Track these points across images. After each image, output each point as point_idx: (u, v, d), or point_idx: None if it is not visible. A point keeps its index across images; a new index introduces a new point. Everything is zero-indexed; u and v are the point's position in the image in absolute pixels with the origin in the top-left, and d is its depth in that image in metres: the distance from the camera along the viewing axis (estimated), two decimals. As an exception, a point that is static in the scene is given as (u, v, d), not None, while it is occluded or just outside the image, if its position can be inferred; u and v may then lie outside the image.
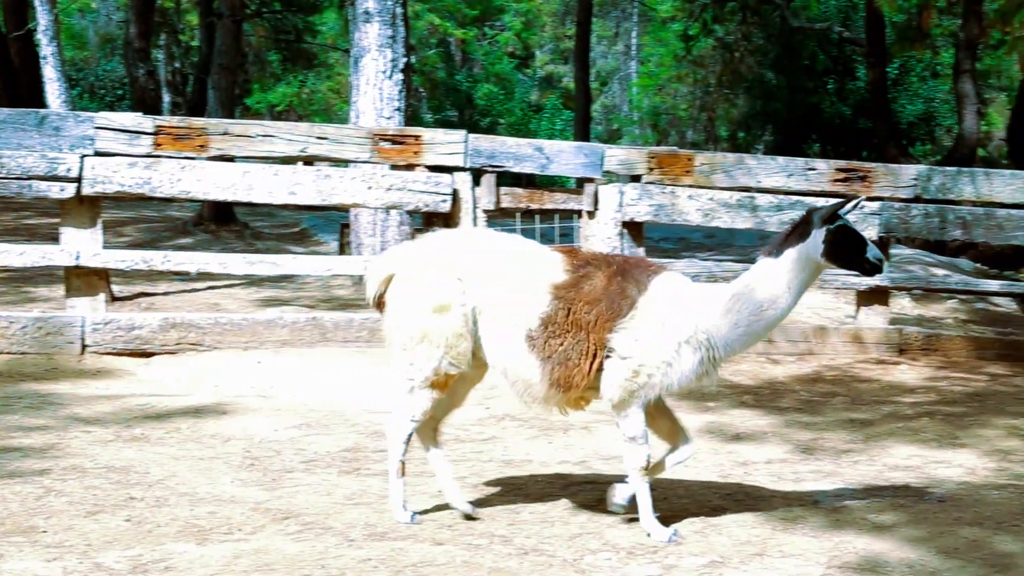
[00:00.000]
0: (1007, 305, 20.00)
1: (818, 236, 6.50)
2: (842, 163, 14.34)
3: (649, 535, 6.63)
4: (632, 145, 32.30)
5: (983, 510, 7.50)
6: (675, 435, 6.89)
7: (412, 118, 26.11)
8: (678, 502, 7.43)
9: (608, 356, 6.46)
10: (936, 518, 7.27)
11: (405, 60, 16.69)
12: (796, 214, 13.52)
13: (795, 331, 13.52)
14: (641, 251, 13.16)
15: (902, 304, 18.15)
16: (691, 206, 13.40)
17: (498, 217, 14.22)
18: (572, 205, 13.43)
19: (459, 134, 12.97)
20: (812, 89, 36.83)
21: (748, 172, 13.78)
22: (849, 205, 6.66)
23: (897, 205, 13.86)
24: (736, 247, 22.27)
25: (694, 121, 44.97)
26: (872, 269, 6.66)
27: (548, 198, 13.37)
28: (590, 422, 9.67)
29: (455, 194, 12.72)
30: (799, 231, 6.59)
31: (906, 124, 36.56)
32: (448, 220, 12.75)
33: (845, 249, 6.56)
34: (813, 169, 13.90)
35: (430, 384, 6.68)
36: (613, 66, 53.41)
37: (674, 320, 6.45)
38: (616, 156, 13.34)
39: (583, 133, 32.60)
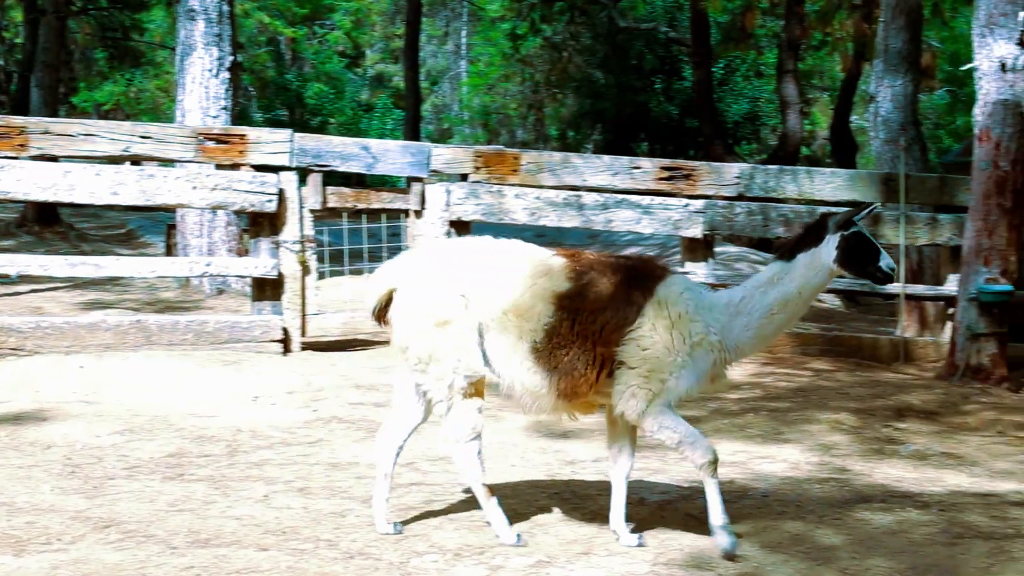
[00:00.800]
0: (831, 301, 20.51)
1: (832, 242, 6.44)
2: (667, 162, 14.51)
3: (714, 535, 6.49)
4: (459, 144, 32.34)
5: (806, 504, 7.61)
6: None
7: (241, 117, 25.76)
8: (506, 502, 7.36)
9: (618, 367, 6.31)
10: (760, 513, 7.35)
11: (232, 58, 16.42)
12: (623, 212, 13.70)
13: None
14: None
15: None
16: (518, 205, 13.41)
17: (326, 217, 14.06)
18: (400, 205, 13.35)
19: (285, 133, 12.80)
20: (640, 88, 37.26)
21: (574, 171, 13.85)
22: (864, 212, 6.62)
23: (721, 203, 14.07)
24: (566, 246, 22.42)
25: (524, 120, 45.19)
26: (884, 278, 6.59)
27: (375, 197, 13.27)
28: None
29: (281, 194, 12.58)
30: (812, 236, 6.53)
31: (732, 123, 37.22)
32: (274, 220, 12.59)
33: (858, 257, 6.48)
34: (638, 168, 14.03)
35: (464, 395, 6.46)
36: (443, 65, 53.40)
37: (684, 324, 6.32)
38: (443, 155, 13.30)
39: (413, 132, 32.50)
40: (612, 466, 6.72)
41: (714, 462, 6.36)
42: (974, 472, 8.83)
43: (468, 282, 6.37)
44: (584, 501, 7.53)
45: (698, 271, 13.99)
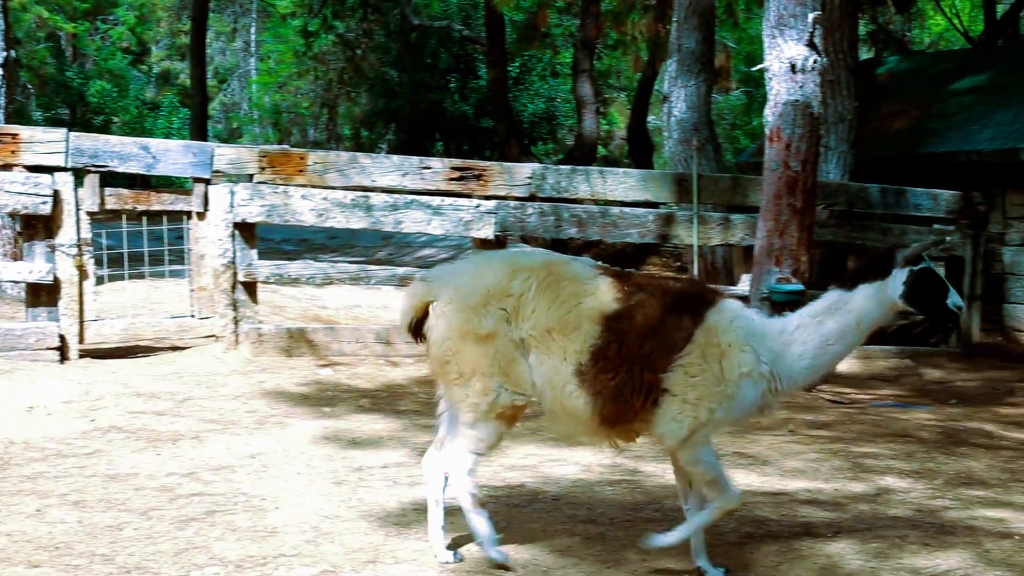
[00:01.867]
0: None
1: (899, 277, 6.20)
2: (457, 162, 14.30)
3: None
4: (243, 144, 31.67)
5: (597, 507, 7.52)
6: None
7: (19, 116, 24.69)
8: (290, 511, 7.15)
9: (662, 394, 6.01)
10: (551, 517, 7.22)
11: (6, 54, 15.66)
12: (413, 213, 13.43)
13: (415, 332, 13.38)
14: (254, 253, 12.74)
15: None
16: (305, 206, 13.05)
17: (105, 219, 13.46)
18: (182, 206, 12.85)
19: (59, 132, 12.22)
20: (434, 87, 37.10)
21: (363, 171, 13.54)
22: (931, 245, 6.46)
23: (513, 204, 13.92)
24: (359, 247, 22.11)
25: (316, 119, 44.61)
26: (950, 317, 6.44)
27: (156, 199, 12.75)
28: (200, 432, 9.30)
29: (56, 195, 12.02)
30: (878, 268, 6.26)
31: (528, 123, 37.31)
32: (49, 223, 12.04)
33: (926, 294, 6.24)
34: (428, 168, 13.79)
35: (496, 416, 6.14)
36: (232, 63, 52.27)
37: (734, 353, 6.03)
38: (226, 155, 12.87)
39: (200, 132, 31.68)
40: (684, 504, 6.42)
41: (732, 511, 6.25)
42: (765, 471, 8.85)
43: (510, 294, 6.08)
44: (372, 508, 7.33)
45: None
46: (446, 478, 6.35)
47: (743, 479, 8.52)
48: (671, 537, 6.13)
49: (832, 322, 6.14)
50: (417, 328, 6.23)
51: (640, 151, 30.96)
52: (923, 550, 6.65)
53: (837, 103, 16.50)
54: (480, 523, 6.23)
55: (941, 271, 16.18)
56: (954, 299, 6.22)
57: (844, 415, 11.37)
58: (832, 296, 6.23)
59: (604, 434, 6.16)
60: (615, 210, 14.57)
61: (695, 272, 14.60)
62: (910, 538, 6.88)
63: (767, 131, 12.94)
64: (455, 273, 6.26)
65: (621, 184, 14.56)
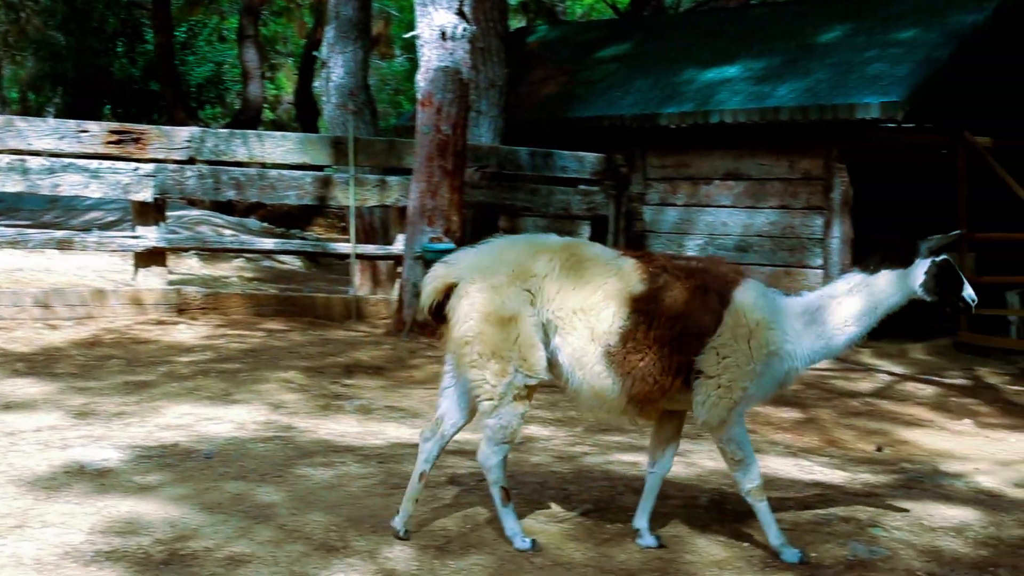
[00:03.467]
0: (292, 262, 20.73)
1: (921, 266, 6.29)
2: (115, 125, 14.19)
3: (780, 555, 6.19)
4: None
5: (248, 463, 7.66)
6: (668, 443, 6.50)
7: None
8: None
9: (696, 376, 6.03)
10: (202, 475, 7.32)
11: None
12: (71, 176, 13.24)
13: (73, 295, 13.25)
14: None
15: (191, 264, 18.27)
16: (-45, 170, 12.70)
17: None
18: None
19: None
20: (101, 51, 35.97)
21: (19, 135, 13.29)
22: (953, 239, 6.55)
23: (172, 167, 13.91)
24: (25, 211, 21.48)
25: (-18, 83, 42.50)
26: (965, 308, 6.44)
27: None
28: None
29: None
30: (902, 255, 6.36)
31: (195, 87, 36.71)
32: None
33: (944, 285, 6.33)
34: (86, 131, 13.61)
35: (513, 397, 6.06)
36: None
37: (762, 331, 6.09)
38: None
39: None
40: (651, 465, 6.49)
41: (761, 488, 6.25)
42: (415, 424, 9.17)
43: (534, 275, 6.06)
44: (21, 472, 7.24)
45: (149, 235, 13.79)
46: (437, 454, 6.39)
47: (394, 432, 8.85)
48: (774, 539, 6.23)
49: (852, 303, 6.26)
50: (438, 310, 6.17)
51: (307, 116, 31.04)
52: (561, 494, 7.07)
53: (488, 69, 17.05)
54: (509, 521, 6.26)
55: (587, 231, 17.07)
56: (968, 291, 6.35)
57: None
58: (853, 279, 6.36)
59: (632, 413, 6.20)
60: (273, 173, 14.73)
61: (352, 231, 14.89)
62: (549, 484, 7.31)
63: (419, 96, 13.32)
64: (478, 255, 6.20)
65: (279, 147, 14.71)
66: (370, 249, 15.27)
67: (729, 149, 16.54)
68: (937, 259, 6.29)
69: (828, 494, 7.46)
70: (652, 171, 17.37)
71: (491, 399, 6.05)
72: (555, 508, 6.82)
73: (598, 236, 16.81)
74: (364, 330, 13.82)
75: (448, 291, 6.11)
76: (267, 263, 20.76)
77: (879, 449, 9.51)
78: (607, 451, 8.35)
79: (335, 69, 16.77)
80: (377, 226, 16.47)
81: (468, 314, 5.99)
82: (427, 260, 13.01)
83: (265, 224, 25.75)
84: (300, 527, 6.34)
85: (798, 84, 15.82)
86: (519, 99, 18.64)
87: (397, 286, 13.99)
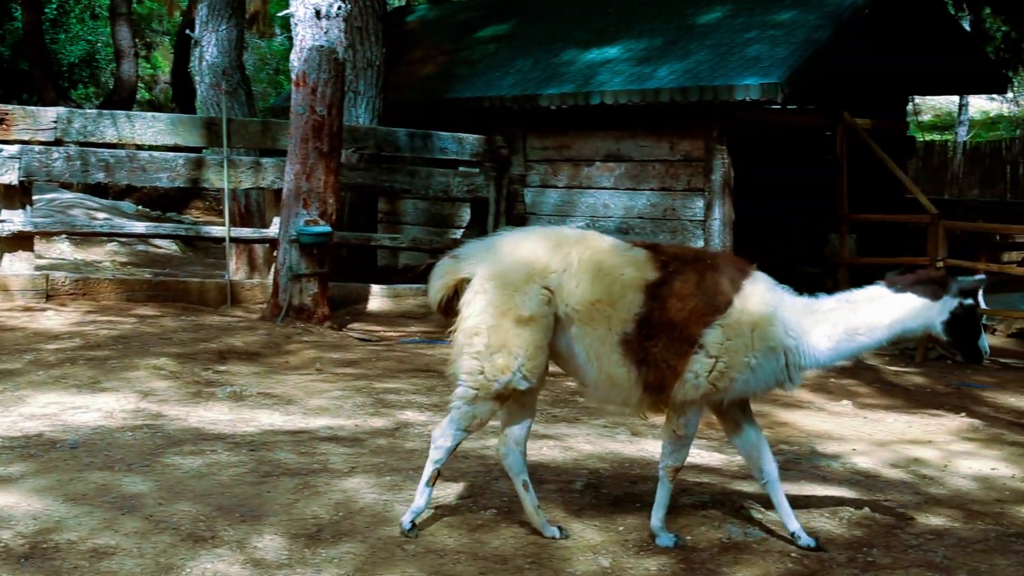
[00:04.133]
0: (169, 246, 20.38)
1: (948, 304, 6.16)
2: (-19, 105, 13.76)
3: (656, 539, 6.18)
4: None
5: (115, 453, 7.47)
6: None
7: None
8: None
9: (696, 352, 5.96)
10: (67, 465, 7.12)
11: None
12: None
13: (-66, 283, 12.83)
14: None
15: (62, 249, 17.85)
16: None
17: None
18: None
19: None
20: (-27, 30, 35.11)
21: None
22: (984, 282, 6.55)
23: (38, 148, 13.52)
24: None
25: None
26: (976, 357, 6.36)
27: None
28: None
29: None
30: (933, 286, 6.20)
31: (67, 66, 35.92)
32: None
33: (964, 329, 6.22)
34: (-68, 114, 13.21)
35: (497, 396, 6.01)
36: None
37: (765, 324, 6.03)
38: None
39: None
40: (759, 474, 6.37)
41: (677, 471, 6.22)
42: (289, 410, 9.05)
43: (553, 271, 5.99)
44: None
45: (15, 219, 13.41)
46: (523, 455, 6.29)
47: (267, 419, 8.70)
48: (654, 523, 6.23)
49: (867, 313, 6.18)
50: (447, 306, 6.14)
51: (184, 96, 30.51)
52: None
53: (365, 49, 16.83)
54: (422, 499, 6.19)
55: (467, 214, 16.97)
56: (984, 343, 6.30)
57: (371, 353, 11.70)
58: (875, 290, 6.26)
59: (647, 402, 6.14)
60: (144, 154, 14.44)
61: (226, 214, 14.63)
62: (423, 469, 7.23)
63: (293, 76, 13.11)
64: (491, 250, 6.14)
65: (150, 128, 14.38)
66: (245, 233, 15.01)
67: (610, 131, 16.53)
68: (965, 302, 6.19)
69: (705, 477, 7.46)
70: (533, 153, 17.32)
71: (478, 391, 6.01)
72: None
73: (478, 219, 16.73)
74: (239, 315, 13.59)
75: (458, 287, 6.08)
76: (142, 247, 20.38)
77: (756, 431, 9.54)
78: (482, 436, 8.26)
79: (208, 48, 16.44)
80: (253, 209, 16.21)
81: (484, 309, 5.95)
82: (303, 244, 12.83)
83: (140, 207, 25.30)
84: (167, 517, 6.20)
85: (678, 65, 15.84)
86: (398, 79, 18.47)
87: (273, 270, 13.75)
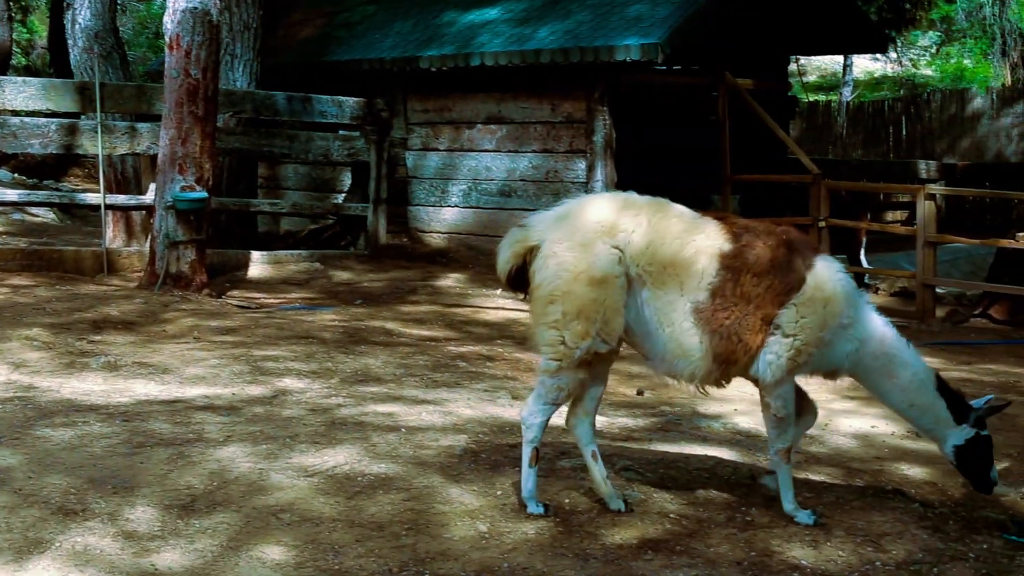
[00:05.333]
0: (47, 215, 19.95)
1: (963, 432, 6.21)
2: None
3: (795, 519, 6.15)
4: None
5: None
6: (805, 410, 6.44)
7: None
8: None
9: (772, 333, 5.98)
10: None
11: None
12: None
13: None
14: None
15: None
16: None
17: None
18: None
19: None
20: None
21: None
22: (1005, 406, 6.48)
23: None
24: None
25: None
26: (982, 488, 6.35)
27: None
28: None
29: None
30: (959, 407, 6.23)
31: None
32: None
33: (976, 459, 6.25)
34: None
35: (580, 362, 5.94)
36: None
37: (838, 303, 6.04)
38: None
39: None
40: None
41: (789, 451, 6.25)
42: (165, 380, 8.89)
43: (622, 230, 5.92)
44: None
45: None
46: (593, 425, 6.24)
47: (142, 389, 8.54)
48: (787, 504, 6.23)
49: (903, 364, 6.22)
50: (515, 277, 6.07)
51: (61, 61, 29.78)
52: (313, 448, 6.89)
53: (242, 11, 16.53)
54: (530, 482, 6.09)
55: (348, 178, 16.81)
56: (995, 473, 6.32)
57: (251, 320, 11.55)
58: (918, 369, 6.25)
59: (714, 375, 6.08)
60: (15, 120, 14.07)
61: (101, 181, 14.35)
62: (300, 437, 7.12)
63: (167, 39, 12.84)
64: (560, 216, 6.06)
65: (20, 94, 14.03)
66: (121, 200, 14.72)
67: (491, 92, 16.49)
68: (982, 432, 6.25)
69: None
70: (414, 116, 17.23)
71: (560, 360, 5.96)
72: (306, 462, 6.64)
73: (360, 183, 16.57)
74: (116, 284, 13.34)
75: (527, 256, 6.02)
76: (19, 216, 19.90)
77: (640, 393, 9.57)
78: (362, 402, 8.21)
79: (81, 11, 16.05)
80: (130, 175, 15.93)
81: (557, 274, 5.90)
82: (179, 210, 12.61)
83: (17, 175, 24.71)
84: (37, 491, 6.05)
85: (559, 26, 15.82)
86: (276, 43, 18.24)
87: (149, 238, 13.50)
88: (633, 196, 6.17)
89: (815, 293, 6.00)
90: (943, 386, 6.26)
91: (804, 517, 6.12)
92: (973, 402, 6.30)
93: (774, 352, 5.98)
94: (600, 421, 8.03)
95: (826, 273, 6.08)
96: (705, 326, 5.92)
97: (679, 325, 5.95)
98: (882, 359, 6.19)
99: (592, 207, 6.10)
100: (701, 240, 5.97)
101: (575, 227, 5.97)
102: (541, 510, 6.00)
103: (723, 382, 6.21)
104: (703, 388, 6.30)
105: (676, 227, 5.99)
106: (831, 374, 6.34)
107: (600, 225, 5.94)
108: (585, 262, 5.87)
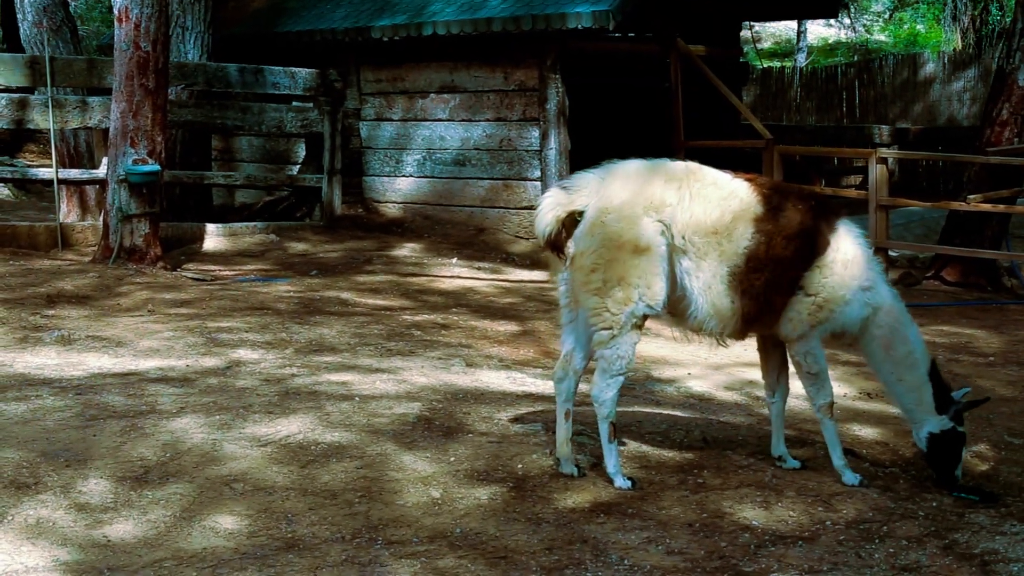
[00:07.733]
0: (1, 191, 19.82)
1: (941, 422, 6.37)
2: None
3: (842, 477, 6.38)
4: None
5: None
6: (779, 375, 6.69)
7: None
8: None
9: (795, 293, 6.22)
10: None
11: None
12: None
13: None
14: None
15: None
16: None
17: None
18: None
19: None
20: None
21: None
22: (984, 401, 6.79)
23: None
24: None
25: None
26: (946, 484, 6.39)
27: None
28: None
29: None
30: (943, 397, 6.41)
31: None
32: None
33: (945, 453, 6.39)
34: None
35: (632, 326, 6.06)
36: None
37: (858, 265, 6.29)
38: None
39: None
40: (771, 395, 6.69)
41: (831, 406, 6.45)
42: (119, 353, 8.88)
43: (668, 204, 6.05)
44: None
45: None
46: (575, 391, 6.36)
47: (95, 362, 8.53)
48: (836, 459, 6.45)
49: (903, 336, 6.41)
50: (556, 240, 6.08)
51: (12, 36, 29.50)
52: (266, 418, 6.90)
53: (192, -18, 16.46)
54: (612, 457, 6.17)
55: (302, 150, 16.76)
56: (959, 472, 6.39)
57: (206, 292, 11.51)
58: (916, 352, 6.42)
59: (739, 331, 6.30)
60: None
61: (54, 155, 14.25)
62: (254, 407, 7.13)
63: (116, 12, 12.73)
64: (604, 182, 6.10)
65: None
66: (74, 174, 14.63)
67: (444, 62, 16.45)
68: (959, 428, 6.39)
69: (537, 406, 7.49)
70: (367, 86, 17.17)
71: (609, 328, 6.05)
72: (259, 431, 6.66)
73: (314, 154, 16.52)
74: (70, 259, 13.27)
75: (569, 220, 6.06)
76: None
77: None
78: (316, 372, 8.22)
79: (30, -16, 15.89)
80: (83, 150, 15.79)
81: (601, 242, 5.98)
82: (131, 183, 12.55)
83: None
84: (-10, 466, 6.02)
85: (511, -6, 15.79)
86: (228, 14, 18.12)
87: (103, 212, 13.42)
88: (672, 165, 6.27)
89: (838, 256, 6.24)
90: (935, 373, 6.45)
91: (850, 477, 6.32)
92: (953, 394, 6.47)
93: (796, 310, 6.23)
94: (552, 387, 8.10)
95: (849, 237, 6.32)
96: (738, 287, 6.12)
97: (715, 288, 6.13)
98: (885, 329, 6.38)
99: (636, 177, 6.15)
100: (736, 205, 6.13)
101: (623, 198, 6.04)
102: (629, 484, 6.09)
103: (744, 337, 6.48)
104: (724, 342, 6.48)
105: (713, 194, 6.12)
106: (838, 336, 6.51)
107: (646, 199, 6.03)
108: (631, 233, 5.99)
